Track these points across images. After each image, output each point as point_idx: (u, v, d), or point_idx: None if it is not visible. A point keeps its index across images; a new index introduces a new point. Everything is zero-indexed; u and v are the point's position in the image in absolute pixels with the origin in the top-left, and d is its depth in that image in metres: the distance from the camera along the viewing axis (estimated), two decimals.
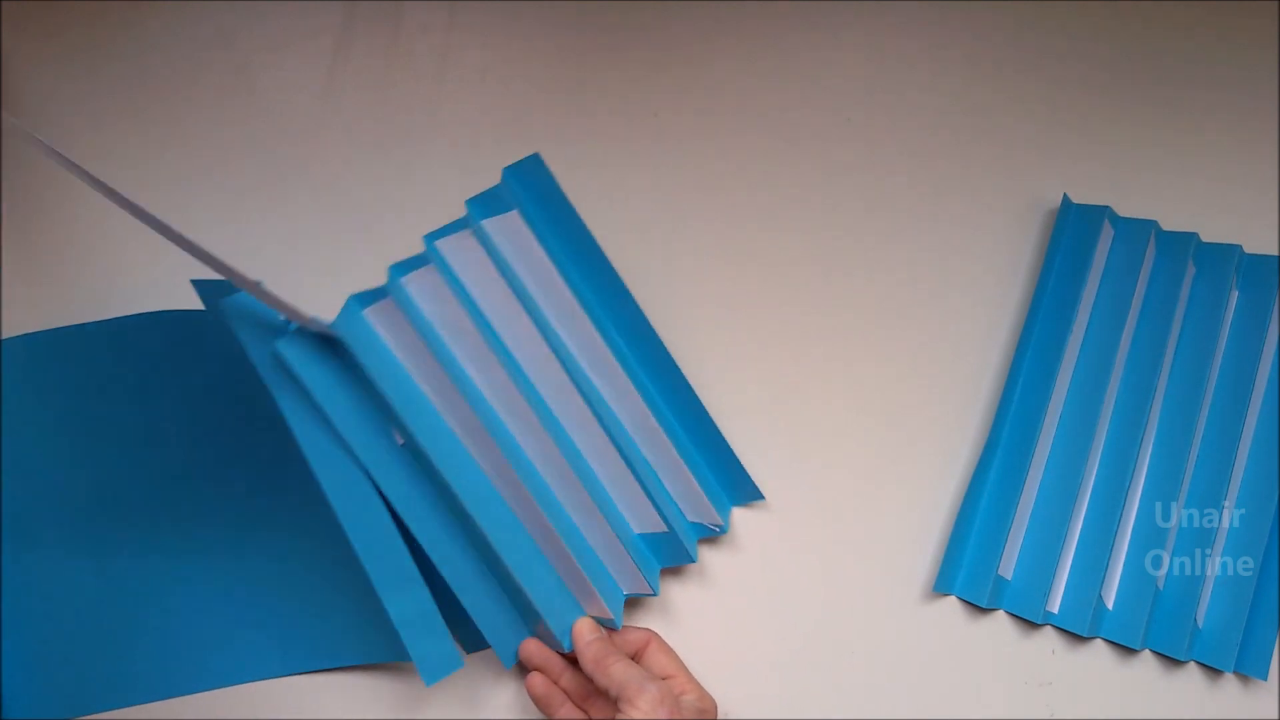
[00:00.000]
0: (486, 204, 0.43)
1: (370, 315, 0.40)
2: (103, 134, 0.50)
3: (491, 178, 0.49)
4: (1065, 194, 0.50)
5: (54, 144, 0.37)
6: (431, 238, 0.42)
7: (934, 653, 0.47)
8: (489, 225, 0.43)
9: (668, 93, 0.51)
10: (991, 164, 0.51)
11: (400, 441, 0.41)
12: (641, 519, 0.45)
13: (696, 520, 0.46)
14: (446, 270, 0.42)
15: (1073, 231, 0.50)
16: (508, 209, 0.43)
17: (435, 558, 0.41)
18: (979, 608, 0.47)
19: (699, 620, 0.46)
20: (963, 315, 0.50)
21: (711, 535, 0.47)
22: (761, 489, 0.47)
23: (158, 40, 0.51)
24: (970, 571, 0.47)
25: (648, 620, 0.46)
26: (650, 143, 0.48)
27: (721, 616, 0.46)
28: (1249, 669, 0.46)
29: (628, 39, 0.52)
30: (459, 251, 0.42)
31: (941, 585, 0.47)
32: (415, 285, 0.41)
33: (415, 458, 0.41)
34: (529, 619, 0.43)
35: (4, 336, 0.47)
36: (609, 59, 0.52)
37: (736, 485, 0.47)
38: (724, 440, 0.46)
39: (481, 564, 0.42)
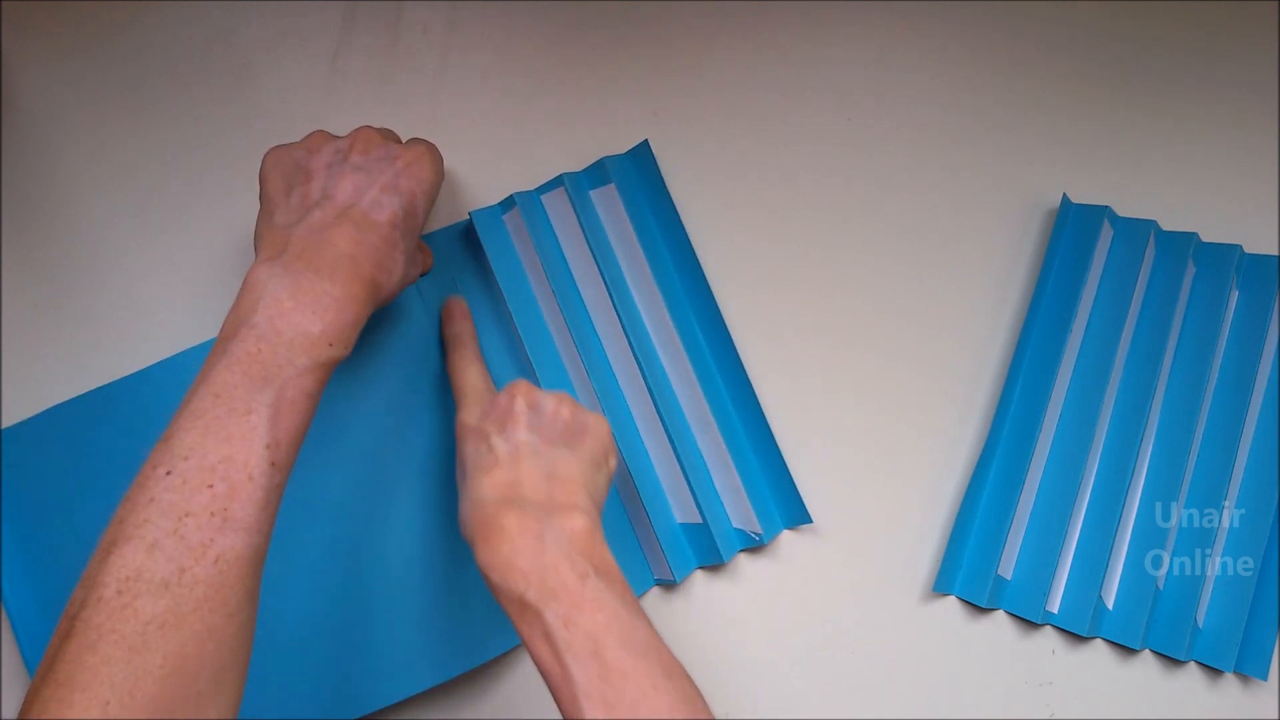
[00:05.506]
0: (591, 174, 0.48)
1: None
2: (103, 134, 0.50)
3: (491, 177, 0.49)
4: (1065, 194, 0.50)
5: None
6: (533, 193, 0.47)
7: (934, 653, 0.47)
8: (592, 194, 0.48)
9: (667, 92, 0.51)
10: (991, 164, 0.51)
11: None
12: (683, 508, 0.46)
13: (740, 527, 0.46)
14: (540, 220, 0.47)
15: (1072, 231, 0.49)
16: (607, 183, 0.47)
17: None
18: (979, 608, 0.47)
19: (698, 621, 0.46)
20: (962, 315, 0.50)
21: (752, 545, 0.46)
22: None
23: (158, 40, 0.51)
24: (970, 571, 0.47)
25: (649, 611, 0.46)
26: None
27: (720, 616, 0.46)
28: (1249, 669, 0.46)
29: (628, 39, 0.52)
30: (553, 206, 0.47)
31: (941, 585, 0.47)
32: (511, 223, 0.47)
33: None
34: None
35: (3, 338, 0.47)
36: (609, 59, 0.52)
37: (788, 505, 0.47)
38: (781, 458, 0.46)
39: None
